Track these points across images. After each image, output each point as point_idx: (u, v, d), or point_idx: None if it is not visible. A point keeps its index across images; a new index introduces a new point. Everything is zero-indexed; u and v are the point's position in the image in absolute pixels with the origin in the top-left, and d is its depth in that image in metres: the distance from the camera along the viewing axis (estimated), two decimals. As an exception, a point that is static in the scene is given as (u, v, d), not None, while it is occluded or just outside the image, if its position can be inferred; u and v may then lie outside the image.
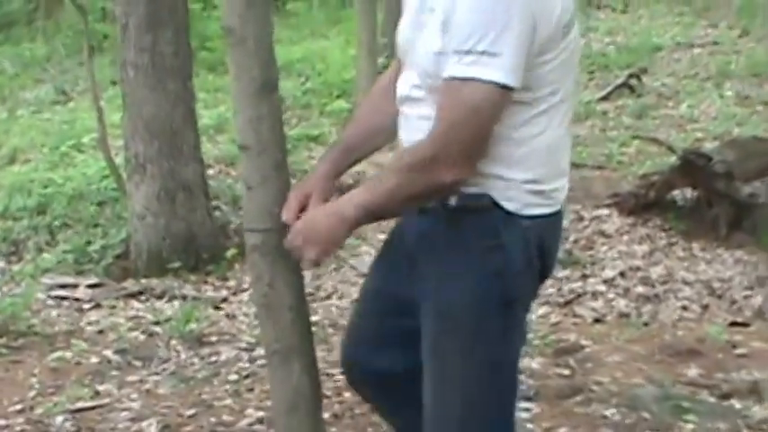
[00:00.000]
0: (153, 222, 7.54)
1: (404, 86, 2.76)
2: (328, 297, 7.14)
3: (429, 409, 2.79)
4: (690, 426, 4.59)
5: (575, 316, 6.62)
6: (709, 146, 9.47)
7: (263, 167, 3.00)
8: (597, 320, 6.55)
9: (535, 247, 2.70)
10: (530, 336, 5.89)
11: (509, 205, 2.65)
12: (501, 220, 2.64)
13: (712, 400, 4.96)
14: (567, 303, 6.91)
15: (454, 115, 2.51)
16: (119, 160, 8.45)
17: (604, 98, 12.67)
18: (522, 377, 5.18)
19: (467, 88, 2.47)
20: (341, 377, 5.29)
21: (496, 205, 2.64)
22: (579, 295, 7.03)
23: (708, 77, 13.72)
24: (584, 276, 7.33)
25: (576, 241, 7.90)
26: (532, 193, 2.66)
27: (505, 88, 2.46)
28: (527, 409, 4.81)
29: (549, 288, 7.03)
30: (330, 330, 6.32)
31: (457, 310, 2.69)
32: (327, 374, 5.31)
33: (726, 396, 5.00)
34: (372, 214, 2.67)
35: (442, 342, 2.73)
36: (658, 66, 14.50)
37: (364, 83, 11.39)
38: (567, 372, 5.36)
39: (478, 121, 2.51)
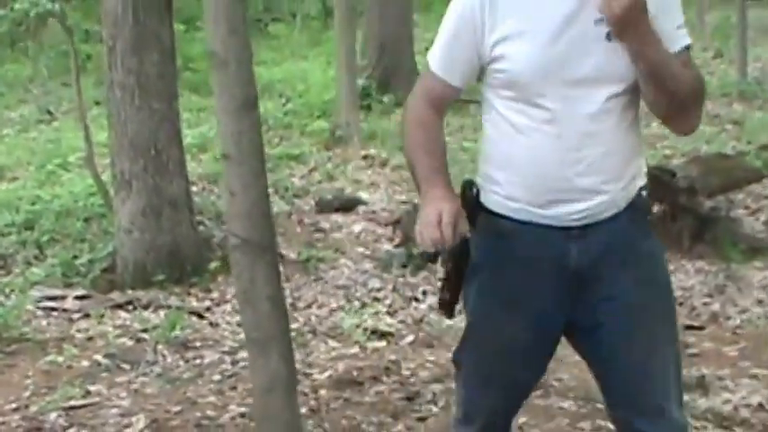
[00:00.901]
0: (139, 237, 7.83)
1: (587, 105, 2.90)
2: (308, 306, 7.43)
3: (646, 381, 3.05)
4: (640, 415, 4.94)
5: (541, 322, 6.95)
6: (676, 162, 9.82)
7: (243, 176, 3.35)
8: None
9: None
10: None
11: None
12: None
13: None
14: (536, 312, 7.23)
15: (699, 73, 3.00)
16: (105, 177, 8.75)
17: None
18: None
19: (689, 52, 2.98)
20: (318, 376, 5.66)
21: None
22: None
23: (681, 98, 14.06)
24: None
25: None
26: None
27: None
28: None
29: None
30: (309, 336, 6.64)
31: (666, 281, 3.12)
32: (305, 374, 5.65)
33: (677, 390, 5.34)
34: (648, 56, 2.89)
35: (657, 311, 3.06)
36: (633, 86, 14.83)
37: (344, 103, 11.75)
38: (530, 372, 5.68)
39: None
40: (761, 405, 5.19)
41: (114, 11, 7.66)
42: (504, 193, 3.03)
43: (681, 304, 7.35)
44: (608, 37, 2.87)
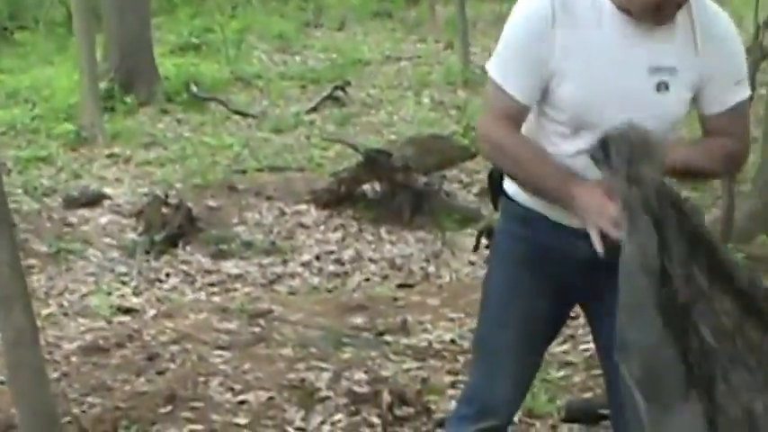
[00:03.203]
0: None
1: None
2: (61, 294, 7.98)
3: None
4: (347, 354, 5.82)
5: (272, 291, 7.76)
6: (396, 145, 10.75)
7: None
8: (291, 293, 7.72)
9: None
10: (230, 307, 7.05)
11: None
12: None
13: (370, 336, 6.20)
14: (270, 283, 8.05)
15: (747, 125, 3.27)
16: None
17: (313, 109, 13.84)
18: (219, 335, 6.34)
19: (746, 105, 3.21)
20: (68, 346, 6.31)
21: None
22: (279, 276, 8.19)
23: (409, 87, 15.05)
24: (285, 261, 8.49)
25: (278, 233, 9.06)
26: None
27: None
28: (220, 356, 5.91)
29: (254, 273, 8.18)
30: (61, 317, 7.23)
31: None
32: (57, 346, 6.30)
33: (381, 333, 6.28)
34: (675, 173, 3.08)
35: None
36: (366, 78, 15.70)
37: (87, 106, 12.29)
38: (257, 329, 6.49)
39: None
40: (452, 340, 6.13)
41: None
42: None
43: (399, 269, 8.30)
44: (658, 88, 3.03)
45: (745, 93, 3.18)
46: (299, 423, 5.11)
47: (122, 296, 7.70)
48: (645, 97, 3.02)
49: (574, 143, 3.08)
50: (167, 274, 8.18)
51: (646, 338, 2.72)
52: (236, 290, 7.80)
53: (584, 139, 3.03)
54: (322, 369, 5.65)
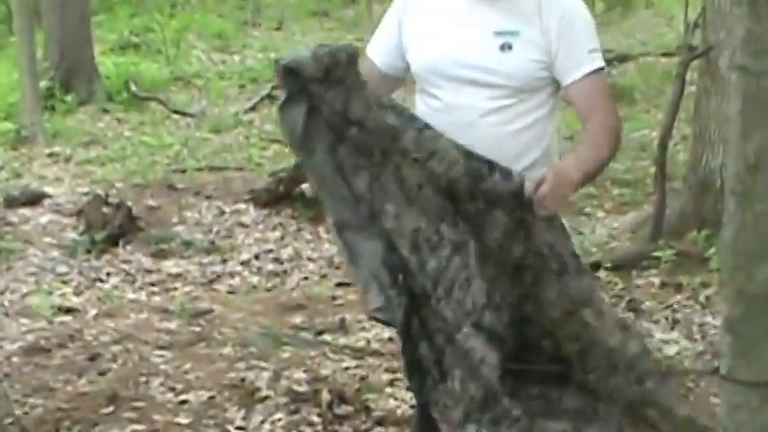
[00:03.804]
0: None
1: (475, 102, 3.46)
2: (1, 294, 8.00)
3: None
4: (287, 354, 5.93)
5: (212, 291, 7.85)
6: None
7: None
8: (231, 292, 7.80)
9: None
10: (171, 306, 7.12)
11: None
12: None
13: (309, 336, 6.32)
14: (209, 282, 8.12)
15: (608, 94, 3.51)
16: None
17: (252, 109, 13.93)
18: (160, 335, 6.41)
19: (602, 74, 3.49)
20: (9, 347, 6.36)
21: None
22: (219, 276, 8.26)
23: (343, 84, 15.14)
24: (224, 261, 8.57)
25: (217, 232, 9.13)
26: None
27: None
28: (161, 356, 6.00)
29: (194, 272, 8.26)
30: (2, 317, 7.26)
31: None
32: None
33: (320, 333, 6.39)
34: (582, 183, 3.38)
35: None
36: (303, 77, 15.78)
37: (27, 104, 12.29)
38: (198, 329, 6.58)
39: None
40: (390, 338, 6.23)
41: None
42: None
43: (338, 268, 8.37)
44: (502, 48, 3.41)
45: (599, 62, 3.47)
46: (239, 422, 5.20)
47: (63, 296, 7.73)
48: (489, 56, 3.41)
49: (432, 101, 3.53)
50: (108, 274, 8.22)
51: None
52: (176, 289, 7.87)
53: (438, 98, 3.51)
54: (262, 368, 5.76)
